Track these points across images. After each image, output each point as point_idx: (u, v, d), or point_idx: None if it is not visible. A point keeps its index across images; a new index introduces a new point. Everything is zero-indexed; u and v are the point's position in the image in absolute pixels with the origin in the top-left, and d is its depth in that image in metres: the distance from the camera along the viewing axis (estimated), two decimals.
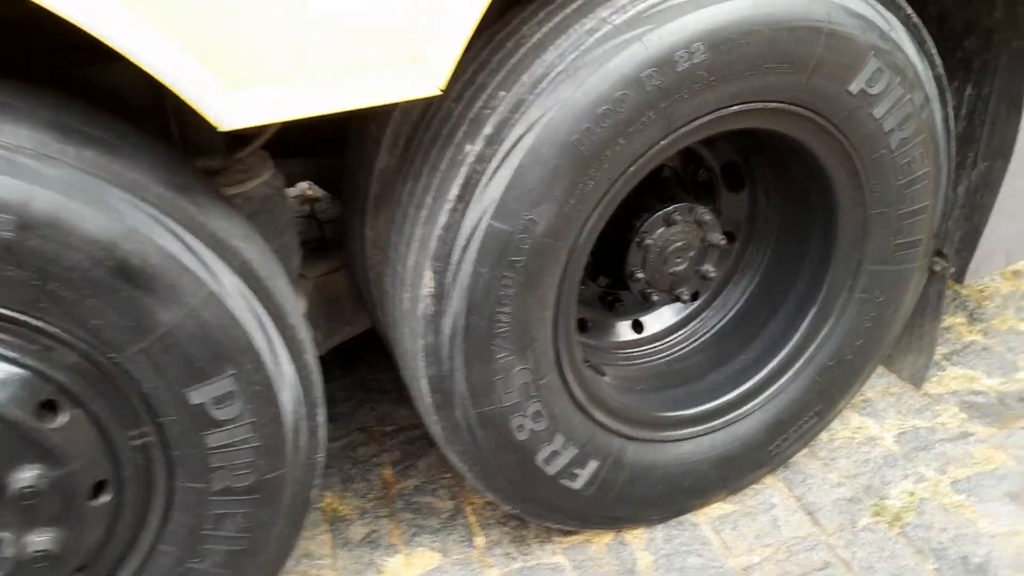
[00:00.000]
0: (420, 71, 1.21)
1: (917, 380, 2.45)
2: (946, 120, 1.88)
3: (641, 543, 2.10)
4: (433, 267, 1.52)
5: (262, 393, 1.47)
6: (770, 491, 2.23)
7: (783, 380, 2.06)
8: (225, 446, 1.49)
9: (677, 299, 2.07)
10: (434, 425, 1.70)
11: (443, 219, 1.49)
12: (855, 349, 2.07)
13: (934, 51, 1.80)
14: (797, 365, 2.06)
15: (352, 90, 1.17)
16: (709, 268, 2.04)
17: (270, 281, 1.45)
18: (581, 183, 1.52)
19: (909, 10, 1.73)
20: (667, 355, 2.19)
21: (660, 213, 1.91)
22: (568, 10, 1.48)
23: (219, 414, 1.45)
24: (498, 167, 1.46)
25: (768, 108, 1.64)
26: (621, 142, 1.51)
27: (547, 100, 1.44)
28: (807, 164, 1.86)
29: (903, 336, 2.38)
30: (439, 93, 1.25)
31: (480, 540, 2.14)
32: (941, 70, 1.83)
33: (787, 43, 1.56)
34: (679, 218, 1.93)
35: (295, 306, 1.58)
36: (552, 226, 1.53)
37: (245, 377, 1.44)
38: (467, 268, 1.51)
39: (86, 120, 1.32)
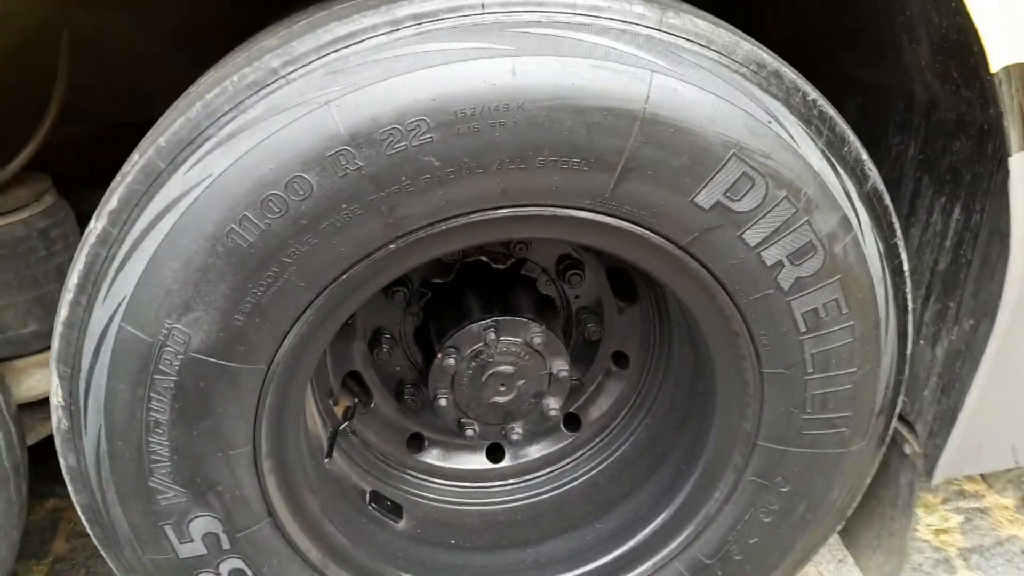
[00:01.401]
0: None
1: None
2: (890, 255, 1.28)
3: None
4: (59, 371, 1.16)
5: None
6: None
7: (636, 573, 1.51)
8: None
9: (506, 438, 1.58)
10: (109, 561, 1.34)
11: (64, 311, 1.13)
12: (746, 548, 1.49)
13: (863, 155, 1.22)
14: (659, 555, 1.50)
15: None
16: (551, 404, 1.53)
17: None
18: (254, 290, 1.11)
19: (813, 93, 1.17)
20: (508, 500, 1.70)
21: (471, 327, 1.45)
22: (241, 56, 1.08)
23: None
24: (128, 255, 1.08)
25: (561, 216, 1.15)
26: (311, 241, 1.09)
27: (191, 175, 1.05)
28: (666, 293, 1.33)
29: (871, 526, 1.74)
30: None
31: None
32: (877, 184, 1.24)
33: (575, 130, 1.07)
34: (495, 336, 1.45)
35: None
36: (216, 343, 1.13)
37: None
38: (100, 380, 1.14)
39: None
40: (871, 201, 1.24)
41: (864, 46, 1.50)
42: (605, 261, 1.62)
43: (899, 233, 1.28)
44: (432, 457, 1.74)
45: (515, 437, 1.58)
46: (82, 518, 1.30)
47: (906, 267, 1.31)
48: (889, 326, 1.32)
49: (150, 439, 1.18)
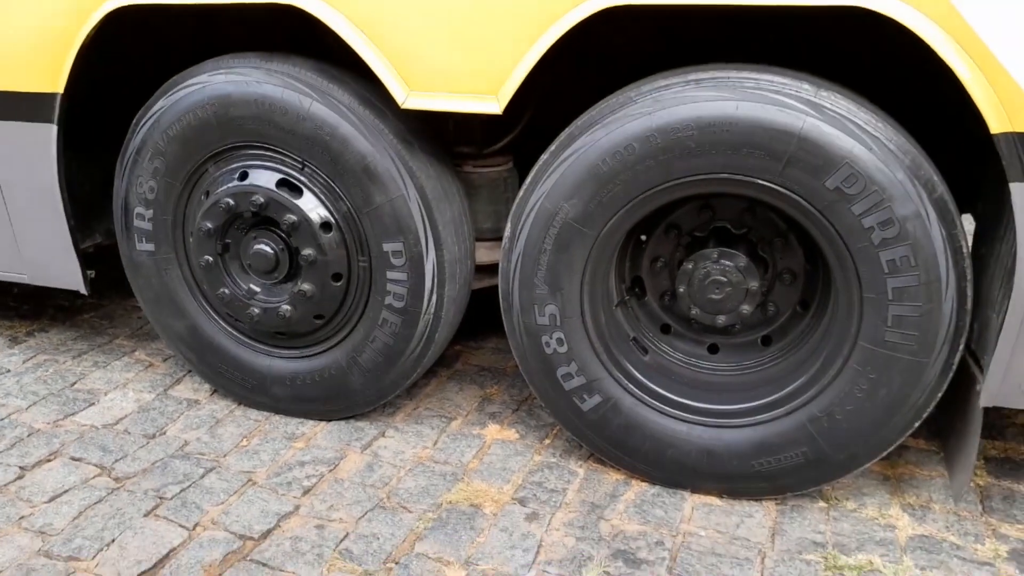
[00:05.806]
0: None
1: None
2: (952, 239, 2.21)
3: (638, 489, 2.79)
4: (511, 229, 2.61)
5: None
6: (758, 507, 2.67)
7: (780, 410, 2.56)
8: None
9: (718, 331, 2.73)
10: (504, 323, 2.76)
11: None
12: (845, 412, 2.44)
13: (934, 175, 2.20)
14: (793, 403, 2.53)
15: None
16: (745, 307, 2.64)
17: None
18: (601, 193, 2.44)
19: (903, 137, 2.20)
20: (714, 371, 2.82)
21: (706, 251, 2.63)
22: (620, 91, 2.44)
23: None
24: (554, 170, 2.49)
25: (750, 182, 2.31)
26: (630, 174, 2.40)
27: (584, 139, 2.42)
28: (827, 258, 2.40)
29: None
30: None
31: (548, 440, 3.07)
32: (944, 194, 2.20)
33: (764, 137, 2.24)
34: (717, 257, 2.61)
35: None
36: (578, 216, 2.48)
37: None
38: (526, 228, 2.56)
39: None
40: (938, 203, 2.20)
41: None
42: (802, 239, 2.69)
43: (959, 225, 2.21)
44: (674, 338, 2.92)
45: (719, 322, 2.70)
46: (500, 298, 2.73)
47: (965, 250, 2.22)
48: (949, 284, 2.23)
49: (539, 259, 2.57)
